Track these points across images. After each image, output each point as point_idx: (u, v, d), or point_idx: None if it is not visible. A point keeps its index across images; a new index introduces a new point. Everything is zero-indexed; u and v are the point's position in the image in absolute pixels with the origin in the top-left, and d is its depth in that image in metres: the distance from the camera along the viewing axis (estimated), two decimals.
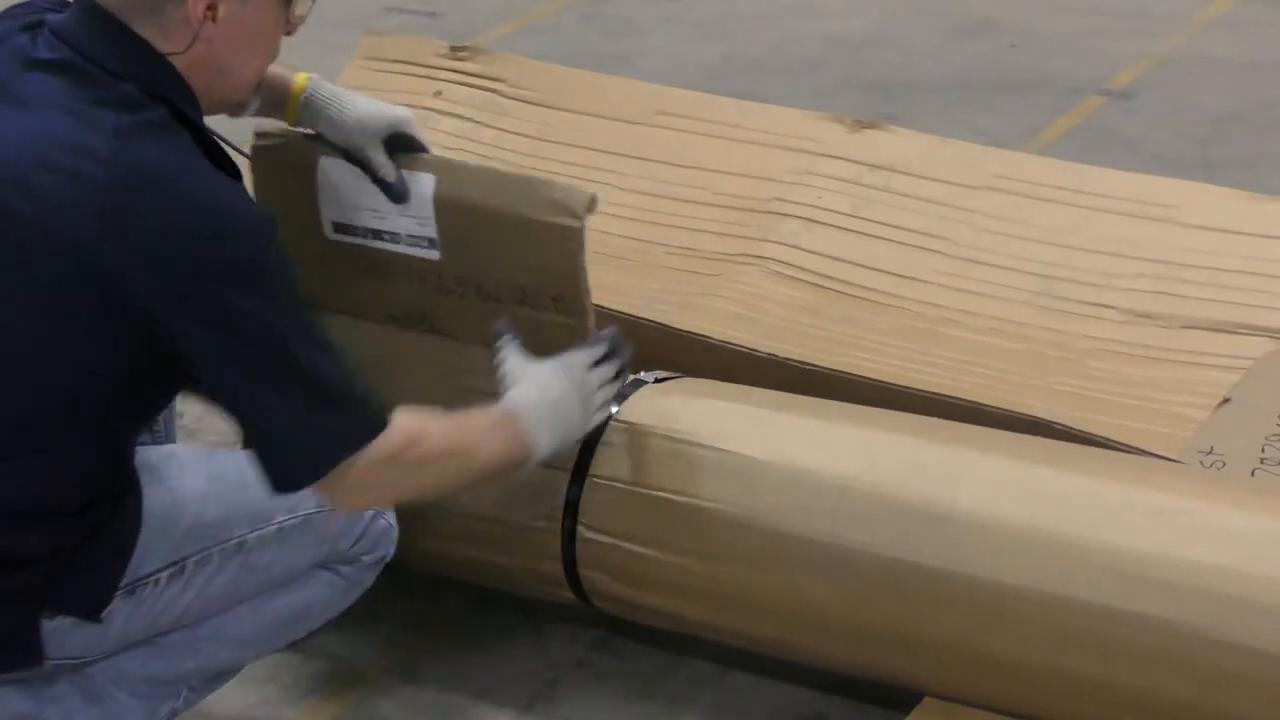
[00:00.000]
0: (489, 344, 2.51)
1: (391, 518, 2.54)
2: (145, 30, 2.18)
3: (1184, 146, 4.85)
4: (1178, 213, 3.28)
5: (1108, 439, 2.73)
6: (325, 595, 2.53)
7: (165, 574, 2.34)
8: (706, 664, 2.81)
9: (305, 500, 2.36)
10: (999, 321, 3.18)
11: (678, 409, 2.67)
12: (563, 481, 2.63)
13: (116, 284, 2.11)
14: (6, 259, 2.14)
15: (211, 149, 2.25)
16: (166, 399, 2.41)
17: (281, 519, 2.40)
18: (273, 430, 2.19)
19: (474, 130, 3.80)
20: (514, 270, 2.60)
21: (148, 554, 2.31)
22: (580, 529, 2.63)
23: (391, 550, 2.56)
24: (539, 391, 2.42)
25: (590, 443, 2.62)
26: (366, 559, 2.54)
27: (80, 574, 2.25)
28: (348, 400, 2.21)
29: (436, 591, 2.93)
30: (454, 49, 3.99)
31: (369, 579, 2.57)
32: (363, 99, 2.60)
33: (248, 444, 2.24)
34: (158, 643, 2.41)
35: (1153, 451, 2.73)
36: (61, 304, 2.13)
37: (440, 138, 3.81)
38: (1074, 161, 3.66)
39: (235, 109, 2.39)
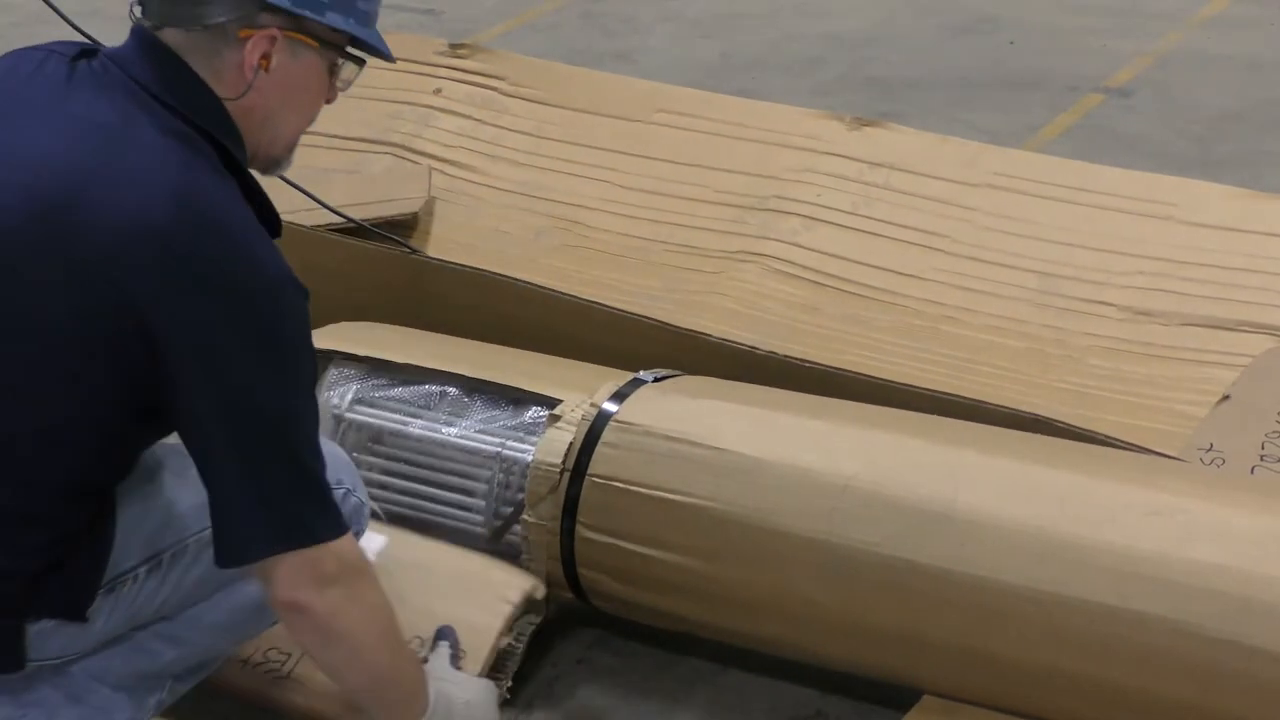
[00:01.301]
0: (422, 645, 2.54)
1: (363, 494, 2.49)
2: (201, 71, 2.18)
3: (1182, 144, 4.86)
4: (1177, 210, 3.28)
5: (1108, 436, 2.73)
6: None
7: (144, 569, 2.32)
8: (705, 662, 2.81)
9: None
10: (999, 319, 3.19)
11: (677, 408, 2.67)
12: (563, 481, 2.63)
13: (141, 314, 2.08)
14: (36, 273, 2.10)
15: (254, 199, 2.23)
16: (158, 437, 2.33)
17: None
18: (250, 496, 2.15)
19: (474, 128, 3.81)
20: (421, 619, 2.55)
21: (125, 550, 2.29)
22: (579, 528, 2.63)
23: (364, 527, 2.53)
24: (452, 689, 2.42)
25: (590, 442, 2.62)
26: None
27: (64, 577, 2.23)
28: (327, 496, 2.20)
29: None
30: (453, 46, 4.00)
31: None
32: None
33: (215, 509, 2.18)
34: (137, 637, 2.38)
35: (1153, 449, 2.73)
36: (77, 323, 2.10)
37: (440, 135, 3.82)
38: (1073, 159, 3.66)
39: (269, 165, 2.36)
